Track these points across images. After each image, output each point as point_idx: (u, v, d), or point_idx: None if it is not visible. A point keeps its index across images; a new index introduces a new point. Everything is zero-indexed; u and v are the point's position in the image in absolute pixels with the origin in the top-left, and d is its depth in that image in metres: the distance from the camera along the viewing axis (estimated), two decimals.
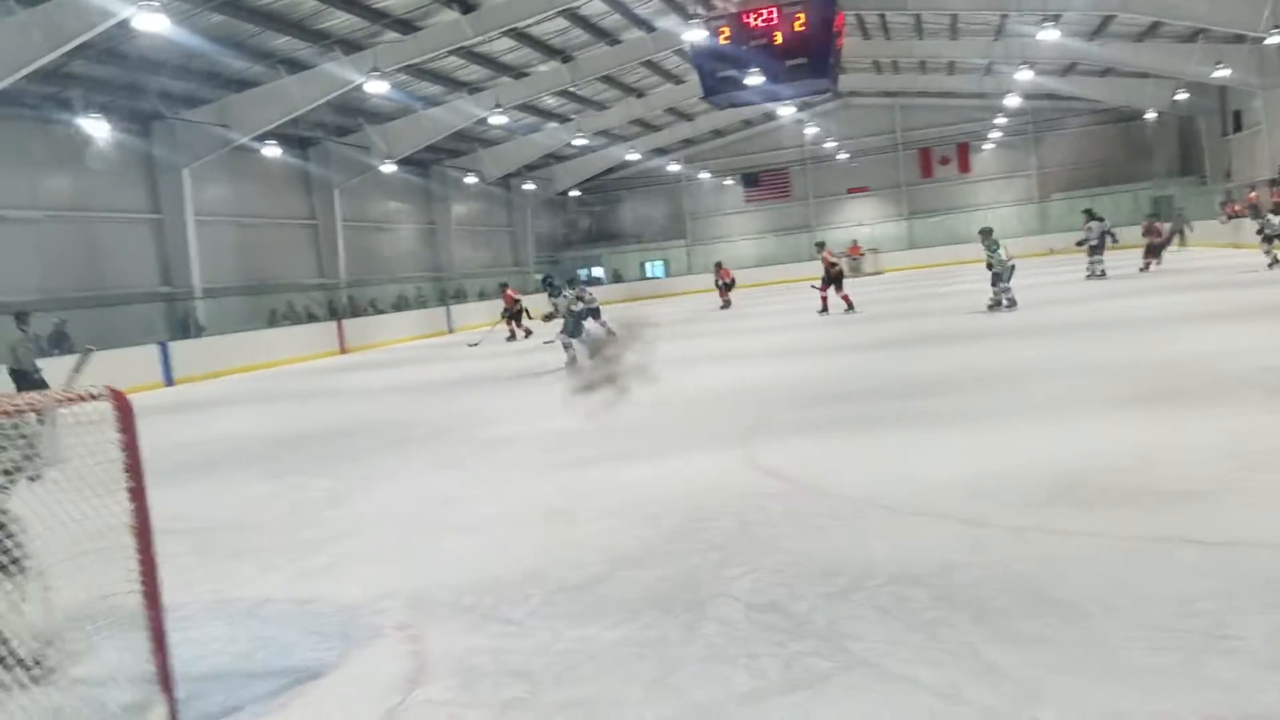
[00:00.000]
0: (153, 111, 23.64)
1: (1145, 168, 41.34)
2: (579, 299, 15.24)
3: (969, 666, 3.30)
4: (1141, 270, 22.61)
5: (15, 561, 3.54)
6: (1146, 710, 2.92)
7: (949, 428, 7.51)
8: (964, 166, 45.18)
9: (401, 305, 32.89)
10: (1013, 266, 17.21)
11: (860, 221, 45.53)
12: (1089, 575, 4.05)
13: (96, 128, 21.49)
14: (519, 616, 4.20)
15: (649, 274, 47.26)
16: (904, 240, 44.85)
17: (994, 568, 4.22)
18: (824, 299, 20.49)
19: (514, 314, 24.31)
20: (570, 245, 49.52)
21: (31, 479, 3.65)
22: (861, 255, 40.36)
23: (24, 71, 17.32)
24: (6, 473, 3.50)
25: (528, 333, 23.89)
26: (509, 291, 24.84)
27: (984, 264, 17.46)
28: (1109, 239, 21.59)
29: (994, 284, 17.05)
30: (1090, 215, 21.87)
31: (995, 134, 43.64)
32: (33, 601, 3.56)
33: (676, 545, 5.02)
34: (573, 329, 14.65)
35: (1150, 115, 39.77)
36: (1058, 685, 3.12)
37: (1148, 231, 23.71)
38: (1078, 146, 43.22)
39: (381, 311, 31.03)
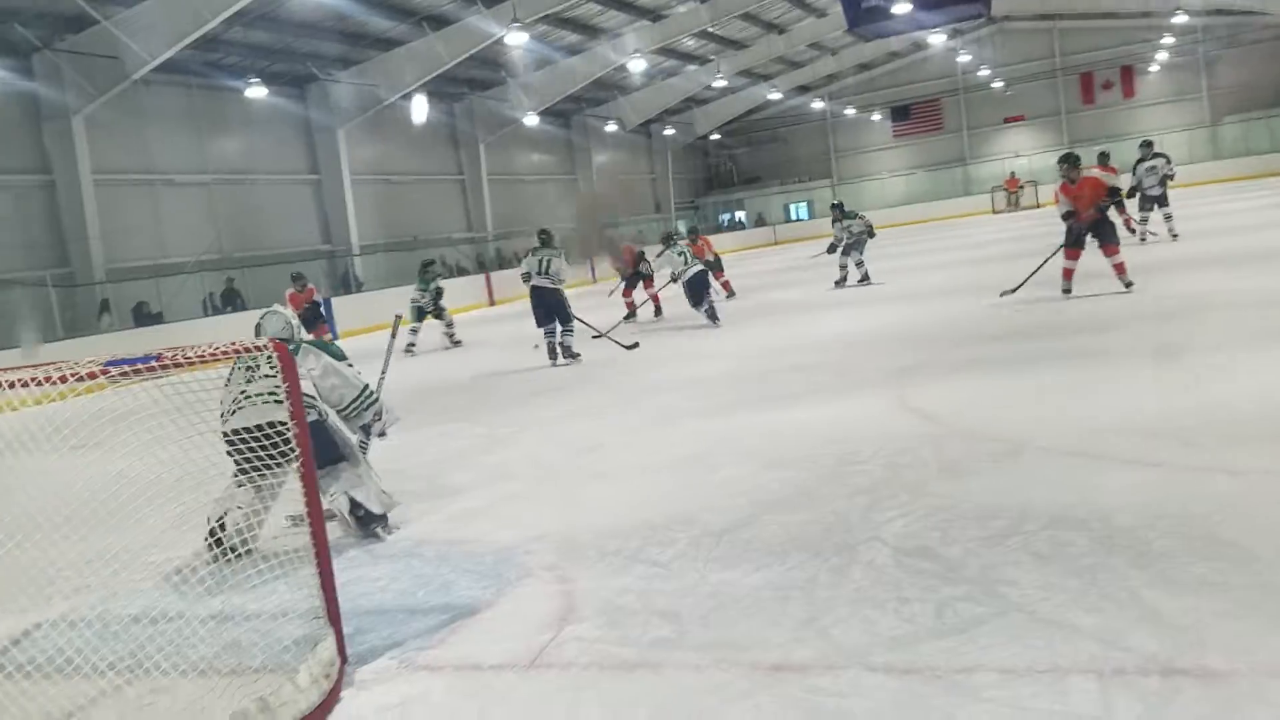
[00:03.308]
0: (307, 74, 24.54)
1: None
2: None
3: (1130, 612, 3.16)
4: None
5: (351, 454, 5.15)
6: None
7: (1110, 366, 7.16)
8: (1128, 91, 42.27)
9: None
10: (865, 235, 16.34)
11: (1017, 152, 43.43)
12: (1261, 516, 3.80)
13: (256, 92, 22.47)
14: (665, 559, 4.23)
15: (793, 216, 46.44)
16: None
17: (1158, 510, 4.01)
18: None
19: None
20: (712, 190, 49.11)
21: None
22: (1020, 188, 38.61)
23: (188, 40, 18.22)
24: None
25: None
26: (310, 288, 16.67)
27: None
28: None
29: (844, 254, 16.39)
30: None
31: (1162, 55, 40.64)
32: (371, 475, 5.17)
33: (824, 489, 4.96)
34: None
35: None
36: (1225, 631, 2.95)
37: None
38: (1254, 64, 39.71)
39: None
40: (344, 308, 21.11)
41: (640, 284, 15.52)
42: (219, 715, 2.95)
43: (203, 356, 3.16)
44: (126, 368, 3.01)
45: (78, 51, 18.38)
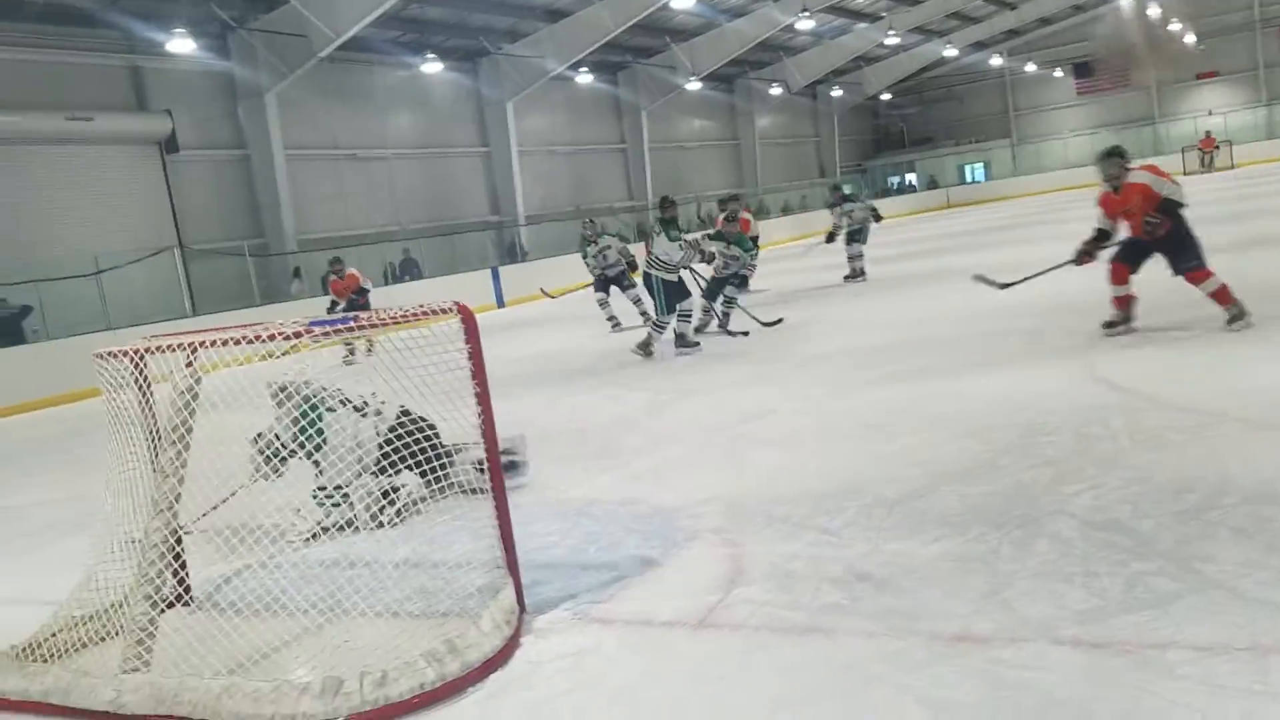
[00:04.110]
0: (478, 49, 25.20)
1: None
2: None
3: None
4: None
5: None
6: None
7: None
8: None
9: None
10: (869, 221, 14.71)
11: (1210, 110, 40.44)
12: None
13: (432, 68, 23.25)
14: (835, 526, 4.19)
15: (968, 178, 44.72)
16: (1261, 130, 39.35)
17: None
18: None
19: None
20: (881, 152, 47.82)
21: None
22: (1215, 148, 36.00)
23: (370, 18, 19.01)
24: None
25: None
26: (352, 273, 14.11)
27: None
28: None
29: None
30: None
31: None
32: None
33: (1005, 460, 4.80)
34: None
35: None
36: None
37: None
38: None
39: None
40: (510, 277, 21.73)
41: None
42: (410, 654, 3.12)
43: (395, 319, 3.32)
44: (329, 328, 3.20)
45: (269, 30, 19.43)
